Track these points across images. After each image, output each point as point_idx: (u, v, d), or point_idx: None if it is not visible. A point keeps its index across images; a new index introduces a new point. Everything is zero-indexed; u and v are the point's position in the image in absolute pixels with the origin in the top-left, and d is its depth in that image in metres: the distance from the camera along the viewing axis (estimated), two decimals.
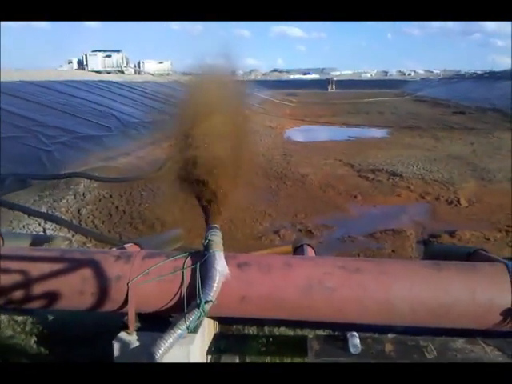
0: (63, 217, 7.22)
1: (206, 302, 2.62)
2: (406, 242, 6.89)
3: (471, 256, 3.18)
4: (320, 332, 3.27)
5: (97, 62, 33.51)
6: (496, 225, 7.55)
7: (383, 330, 3.06)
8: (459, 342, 2.75)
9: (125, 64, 35.36)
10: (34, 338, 3.56)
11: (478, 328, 2.77)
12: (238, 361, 3.14)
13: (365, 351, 2.68)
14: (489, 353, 2.62)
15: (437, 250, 4.38)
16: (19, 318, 3.81)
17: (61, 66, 37.31)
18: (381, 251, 6.58)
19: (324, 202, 9.16)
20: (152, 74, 36.68)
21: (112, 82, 25.62)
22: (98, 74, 29.21)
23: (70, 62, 36.31)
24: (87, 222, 7.21)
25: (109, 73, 31.85)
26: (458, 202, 8.89)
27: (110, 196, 8.46)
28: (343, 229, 7.55)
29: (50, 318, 3.81)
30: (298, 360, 3.23)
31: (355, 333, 2.76)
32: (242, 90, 3.56)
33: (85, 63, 33.96)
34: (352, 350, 2.66)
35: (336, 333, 3.01)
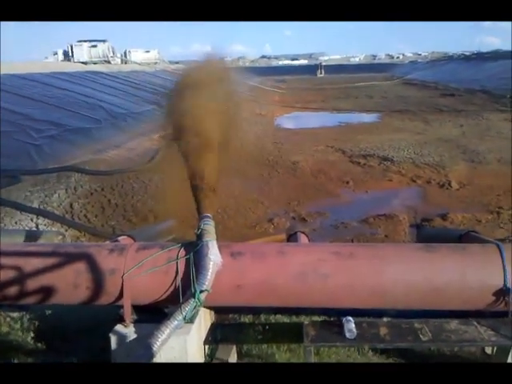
0: (55, 212, 7.17)
1: (201, 291, 2.63)
2: (399, 226, 6.93)
3: (463, 238, 3.22)
4: (316, 318, 3.30)
5: (82, 52, 32.96)
6: (487, 207, 7.61)
7: (378, 314, 3.10)
8: (453, 324, 2.78)
9: (111, 54, 34.83)
10: (31, 334, 3.56)
11: (471, 309, 2.81)
12: (235, 349, 3.17)
13: (360, 335, 2.71)
14: (482, 333, 2.66)
15: (429, 233, 4.42)
16: (15, 315, 3.80)
17: (46, 57, 36.71)
18: (374, 236, 6.62)
19: (316, 188, 9.17)
20: (139, 64, 36.23)
21: (99, 72, 25.33)
22: (84, 65, 28.84)
23: (56, 54, 35.71)
24: (80, 216, 7.17)
25: (95, 63, 31.38)
26: (449, 184, 8.94)
27: (102, 189, 8.40)
28: (336, 215, 7.57)
29: (46, 313, 3.81)
30: (294, 346, 3.27)
31: (350, 318, 2.78)
32: (230, 79, 3.57)
33: (70, 54, 33.43)
34: (347, 335, 2.69)
35: (331, 318, 3.03)
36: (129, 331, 2.79)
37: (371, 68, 71.01)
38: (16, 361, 3.26)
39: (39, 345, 3.48)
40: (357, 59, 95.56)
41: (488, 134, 14.44)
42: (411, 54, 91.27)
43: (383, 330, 2.76)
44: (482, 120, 17.58)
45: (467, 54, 56.98)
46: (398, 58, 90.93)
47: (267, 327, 3.22)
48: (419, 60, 74.86)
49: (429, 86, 37.17)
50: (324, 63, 79.64)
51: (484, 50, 52.62)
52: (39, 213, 6.91)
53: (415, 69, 57.06)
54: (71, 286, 2.81)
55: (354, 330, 2.70)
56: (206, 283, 2.64)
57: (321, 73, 71.78)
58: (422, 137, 14.35)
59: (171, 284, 2.77)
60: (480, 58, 45.63)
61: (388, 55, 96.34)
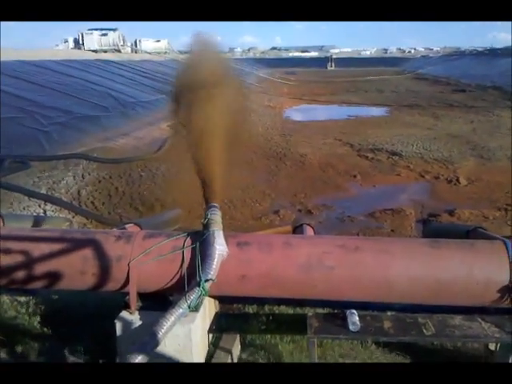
0: (63, 198, 7.23)
1: (206, 280, 2.65)
2: (406, 221, 6.91)
3: (470, 234, 3.20)
4: (320, 310, 3.31)
5: (93, 40, 33.02)
6: (495, 203, 7.55)
7: (382, 307, 3.10)
8: (457, 319, 2.78)
9: (121, 43, 34.89)
10: (38, 319, 3.60)
11: (476, 305, 2.80)
12: (238, 339, 3.18)
13: (364, 328, 2.71)
14: (486, 329, 2.66)
15: (436, 229, 4.41)
16: (22, 299, 3.85)
17: (57, 45, 36.90)
18: (380, 230, 6.60)
19: (323, 181, 9.15)
20: (149, 53, 36.28)
21: (109, 61, 25.34)
22: (94, 53, 28.90)
23: (66, 41, 35.87)
24: (87, 204, 7.21)
25: (105, 52, 31.42)
26: (458, 180, 8.88)
27: (110, 177, 8.44)
28: (343, 208, 7.55)
29: (53, 298, 3.85)
30: (297, 337, 3.28)
31: (354, 311, 2.79)
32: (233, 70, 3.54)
33: (81, 42, 33.51)
34: (351, 328, 2.69)
35: (335, 311, 3.04)
36: (134, 318, 2.82)
37: (382, 62, 70.47)
38: (22, 345, 3.31)
39: (45, 329, 3.52)
40: (368, 52, 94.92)
41: (498, 130, 14.30)
42: (423, 49, 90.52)
43: (387, 324, 2.77)
44: (493, 116, 17.41)
45: (479, 49, 56.40)
46: (409, 52, 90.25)
47: (271, 318, 3.23)
48: (431, 55, 74.19)
49: (440, 81, 36.87)
50: (334, 56, 79.08)
51: (496, 46, 52.07)
52: (47, 199, 6.95)
53: (427, 63, 56.48)
54: (78, 271, 2.83)
55: (358, 322, 2.70)
56: (212, 272, 2.65)
57: (331, 66, 71.31)
58: (431, 132, 14.24)
59: (177, 272, 2.78)
60: (492, 54, 45.14)
61: (399, 49, 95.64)
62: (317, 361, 2.79)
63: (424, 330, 2.69)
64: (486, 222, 6.65)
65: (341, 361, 3.22)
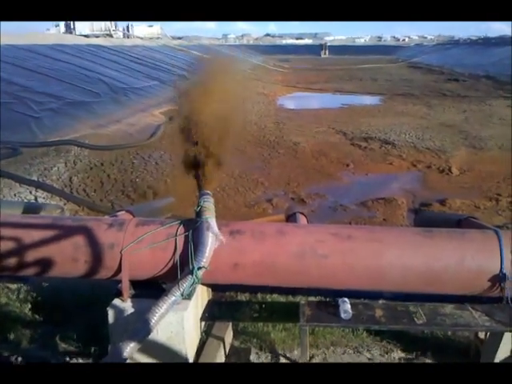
0: (54, 185, 7.17)
1: (199, 268, 2.65)
2: (398, 210, 6.94)
3: (462, 223, 3.22)
4: (312, 298, 3.33)
5: (84, 25, 32.66)
6: (486, 193, 7.60)
7: (374, 296, 3.12)
8: (448, 308, 2.80)
9: (113, 28, 34.54)
10: (29, 306, 3.59)
11: (467, 294, 2.82)
12: (231, 326, 3.20)
13: (355, 316, 2.73)
14: (477, 318, 2.68)
15: (428, 218, 4.42)
16: (13, 286, 3.83)
17: (48, 29, 36.45)
18: (372, 219, 6.62)
19: (316, 170, 9.15)
20: (141, 38, 35.93)
21: (100, 46, 25.04)
22: (85, 38, 28.56)
23: (57, 26, 35.44)
24: (79, 191, 7.16)
25: (97, 37, 31.09)
26: (450, 170, 8.92)
27: (101, 164, 8.38)
28: (335, 197, 7.56)
29: (44, 285, 3.84)
30: (289, 325, 3.30)
31: (346, 299, 2.80)
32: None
33: (72, 27, 33.11)
34: (343, 316, 2.71)
35: (327, 299, 3.06)
36: (126, 306, 2.81)
37: (376, 50, 70.43)
38: (13, 332, 3.30)
39: (37, 316, 3.52)
40: (362, 40, 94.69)
41: (491, 120, 14.36)
42: (417, 37, 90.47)
43: (378, 312, 2.79)
44: (486, 106, 17.47)
45: (473, 38, 56.48)
46: (403, 40, 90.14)
47: (264, 306, 3.24)
48: (425, 43, 74.19)
49: (434, 70, 36.89)
50: (329, 43, 78.88)
51: (490, 35, 52.23)
52: (39, 185, 6.90)
53: (421, 52, 56.53)
54: (70, 259, 2.81)
55: (350, 310, 2.72)
56: (204, 260, 2.65)
57: (325, 53, 71.07)
58: (424, 121, 14.26)
59: (170, 260, 2.78)
60: (486, 43, 45.25)
61: (394, 37, 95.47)
62: (308, 348, 2.81)
63: (415, 319, 2.71)
64: (477, 211, 6.70)
65: (332, 348, 3.25)
